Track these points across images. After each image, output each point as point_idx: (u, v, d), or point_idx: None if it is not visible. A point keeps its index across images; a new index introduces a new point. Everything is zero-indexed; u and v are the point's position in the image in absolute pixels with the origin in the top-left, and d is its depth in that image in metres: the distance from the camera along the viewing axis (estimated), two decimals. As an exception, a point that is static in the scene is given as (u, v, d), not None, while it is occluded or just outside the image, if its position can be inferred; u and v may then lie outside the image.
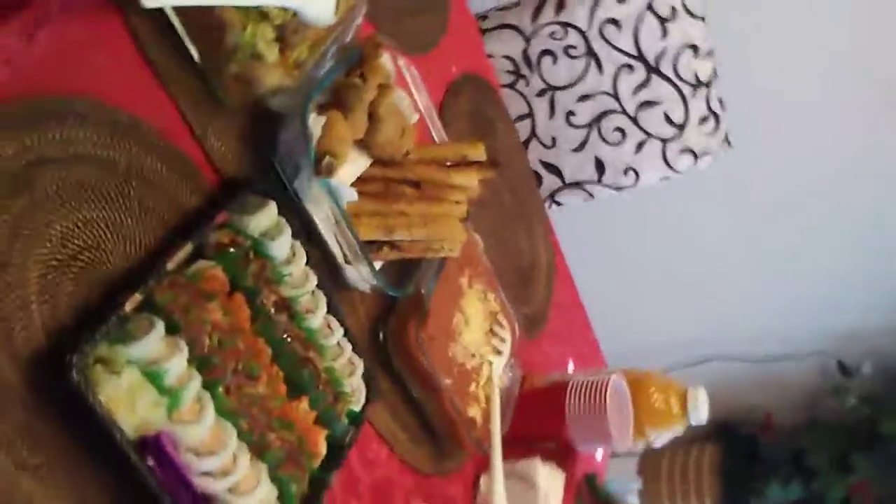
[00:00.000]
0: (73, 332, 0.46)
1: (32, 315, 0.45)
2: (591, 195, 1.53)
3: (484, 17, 1.39)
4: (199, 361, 0.52)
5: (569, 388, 0.97)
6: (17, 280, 0.45)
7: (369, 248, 0.70)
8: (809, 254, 2.13)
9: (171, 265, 0.52)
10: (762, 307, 2.24)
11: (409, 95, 0.78)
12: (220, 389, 0.54)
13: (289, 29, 0.59)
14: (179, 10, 0.55)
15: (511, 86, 1.43)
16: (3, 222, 0.44)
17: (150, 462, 0.48)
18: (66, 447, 0.46)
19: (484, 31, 1.38)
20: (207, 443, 0.52)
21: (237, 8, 0.55)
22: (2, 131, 0.44)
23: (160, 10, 0.54)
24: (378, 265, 0.73)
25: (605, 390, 0.94)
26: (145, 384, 0.48)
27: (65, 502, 0.46)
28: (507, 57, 1.40)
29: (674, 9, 1.33)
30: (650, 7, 1.33)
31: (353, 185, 0.71)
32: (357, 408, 0.69)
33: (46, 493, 0.45)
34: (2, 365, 0.43)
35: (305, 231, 0.66)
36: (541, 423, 0.98)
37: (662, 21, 1.34)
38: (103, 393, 0.46)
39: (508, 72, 1.41)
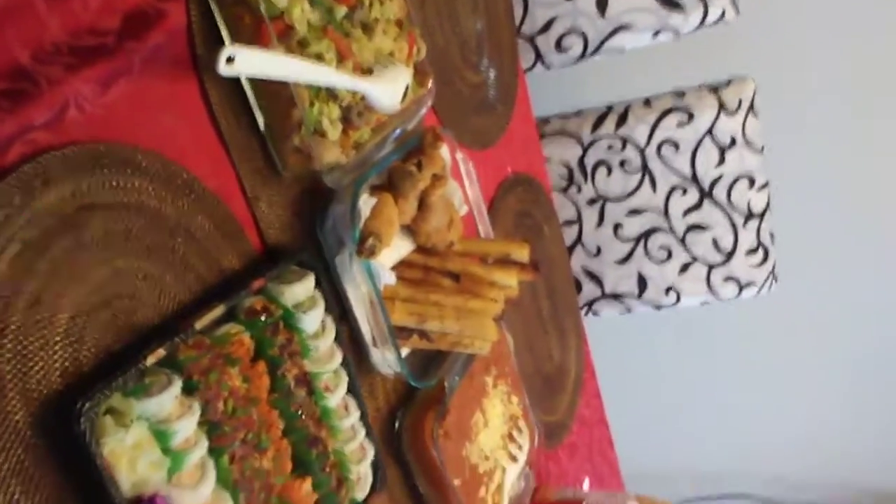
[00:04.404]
0: (90, 379, 0.46)
1: (54, 356, 0.45)
2: (628, 309, 1.51)
3: (546, 121, 1.42)
4: (210, 426, 0.51)
5: (581, 509, 0.93)
6: (45, 319, 0.45)
7: (399, 333, 0.69)
8: (850, 405, 2.05)
9: (199, 324, 0.51)
10: (796, 451, 2.14)
11: (461, 188, 0.79)
12: (225, 458, 0.53)
13: (354, 111, 0.61)
14: (253, 81, 0.57)
15: (563, 191, 1.44)
16: (45, 260, 0.45)
17: (141, 523, 0.47)
18: (61, 495, 0.45)
19: (543, 135, 1.41)
20: (202, 512, 0.50)
21: (308, 85, 0.57)
22: (62, 172, 0.45)
23: (235, 79, 0.56)
24: (405, 352, 0.71)
25: (619, 517, 0.90)
26: (151, 442, 0.47)
27: (47, 553, 0.44)
28: (563, 163, 1.42)
29: (734, 138, 1.35)
30: (710, 133, 1.34)
31: (392, 268, 0.71)
32: (360, 496, 0.67)
33: (30, 539, 0.43)
34: (12, 402, 0.43)
35: (338, 307, 0.66)
36: (547, 542, 0.93)
37: (721, 148, 1.35)
38: (107, 445, 0.45)
39: (562, 177, 1.43)
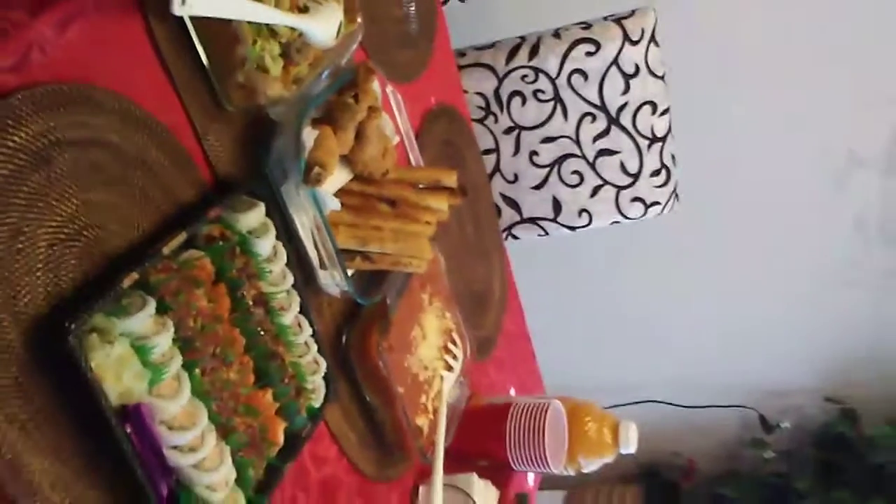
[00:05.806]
0: (72, 302, 0.50)
1: (37, 281, 0.49)
2: (545, 232, 1.61)
3: (462, 53, 1.47)
4: (182, 342, 0.56)
5: (511, 410, 1.02)
6: (26, 247, 0.48)
7: (343, 256, 0.75)
8: (743, 312, 2.25)
9: (166, 250, 0.56)
10: (697, 357, 2.34)
11: (392, 119, 0.84)
12: (197, 370, 0.58)
13: (293, 47, 0.65)
14: (197, 20, 0.60)
15: (481, 121, 1.50)
16: (22, 193, 0.48)
17: (129, 429, 0.52)
18: (54, 407, 0.49)
19: (461, 67, 1.46)
20: (181, 419, 0.55)
21: (251, 23, 0.61)
22: (31, 111, 0.48)
23: (179, 18, 0.59)
24: (349, 273, 0.77)
25: (545, 414, 1.00)
26: (133, 356, 0.52)
27: (45, 458, 0.49)
28: (480, 93, 1.47)
29: (637, 66, 1.43)
30: (616, 63, 1.42)
31: (334, 195, 0.76)
32: (316, 404, 0.73)
33: (30, 446, 0.48)
34: (4, 324, 0.47)
35: (287, 233, 0.71)
36: (482, 440, 1.03)
37: (626, 77, 1.44)
38: (94, 360, 0.50)
39: (479, 107, 1.49)
